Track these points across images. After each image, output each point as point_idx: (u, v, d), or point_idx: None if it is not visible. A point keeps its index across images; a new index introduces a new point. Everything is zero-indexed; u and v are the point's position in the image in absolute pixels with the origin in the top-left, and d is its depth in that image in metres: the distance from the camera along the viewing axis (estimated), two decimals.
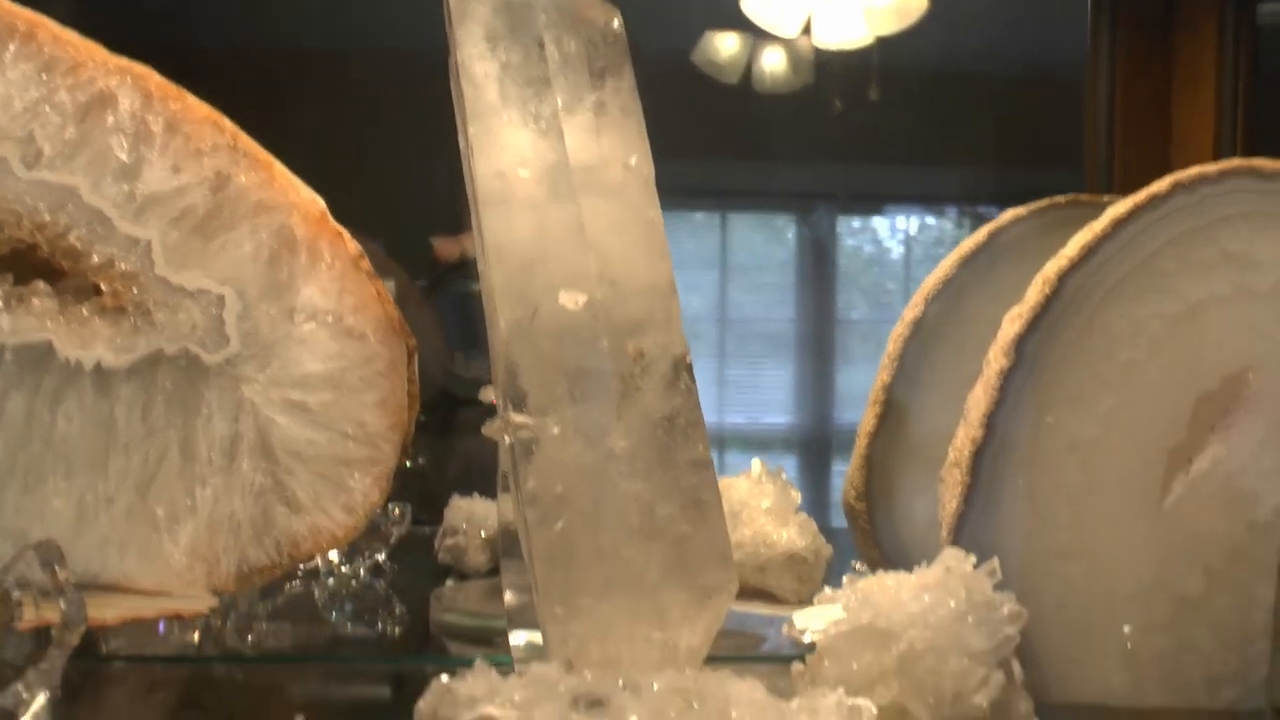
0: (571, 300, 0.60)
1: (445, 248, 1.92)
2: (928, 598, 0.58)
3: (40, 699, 0.46)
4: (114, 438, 0.63)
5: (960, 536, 0.66)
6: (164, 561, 0.63)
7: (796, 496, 0.91)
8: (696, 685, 0.51)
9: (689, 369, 0.61)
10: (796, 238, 3.65)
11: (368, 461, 0.66)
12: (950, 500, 0.68)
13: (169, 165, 0.63)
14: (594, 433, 0.59)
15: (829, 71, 2.76)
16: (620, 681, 0.51)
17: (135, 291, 0.64)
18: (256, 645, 0.77)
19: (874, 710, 0.52)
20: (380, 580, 0.97)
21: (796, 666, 0.59)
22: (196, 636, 0.75)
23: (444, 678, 0.50)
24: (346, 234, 0.68)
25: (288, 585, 0.93)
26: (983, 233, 0.84)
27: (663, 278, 0.62)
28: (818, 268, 3.60)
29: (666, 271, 0.62)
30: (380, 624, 0.86)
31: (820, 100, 2.80)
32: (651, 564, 0.58)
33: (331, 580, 0.95)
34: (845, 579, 0.60)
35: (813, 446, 3.61)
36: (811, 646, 0.59)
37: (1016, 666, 0.59)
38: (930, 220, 3.72)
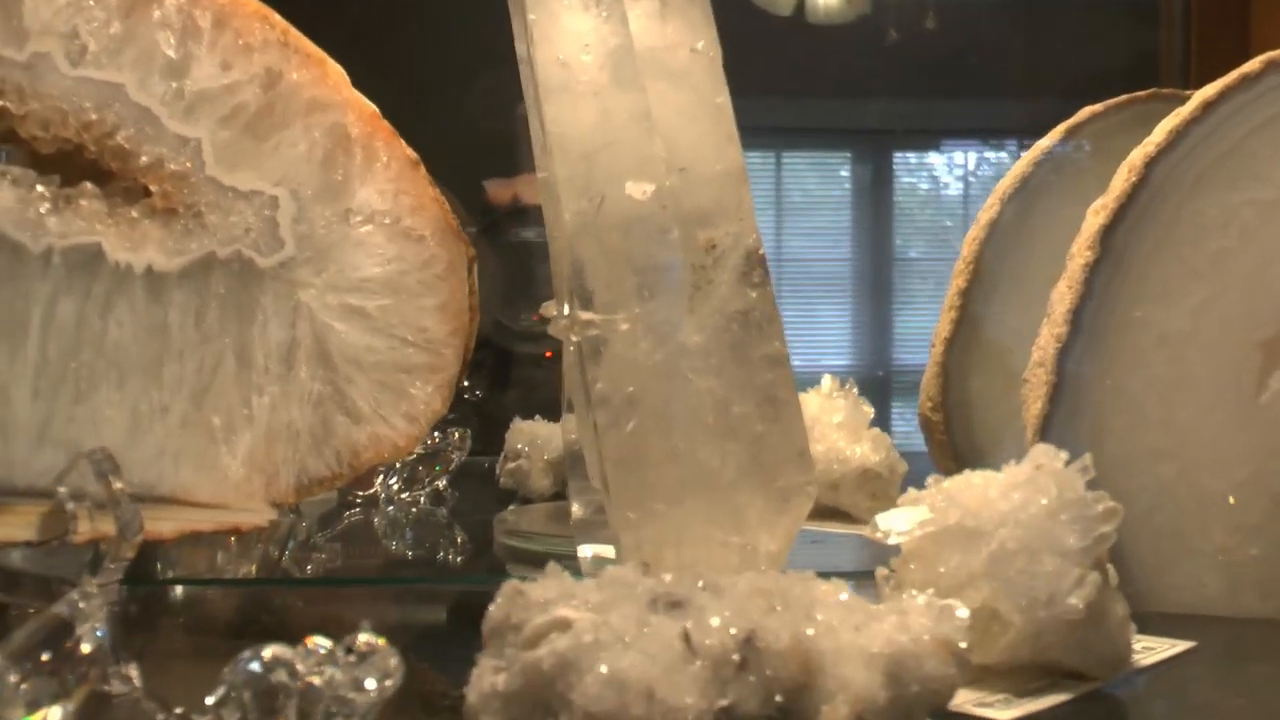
0: (639, 190, 0.58)
1: (498, 192, 1.89)
2: (1017, 496, 0.55)
3: (99, 611, 0.43)
4: (168, 344, 0.62)
5: (1046, 439, 0.64)
6: (221, 473, 0.62)
7: (869, 411, 0.89)
8: (779, 586, 0.49)
9: (763, 260, 0.59)
10: (851, 176, 3.61)
11: (429, 368, 0.64)
12: (1035, 401, 0.65)
13: (218, 62, 0.61)
14: (665, 329, 0.57)
15: (884, 2, 2.71)
16: (700, 583, 0.49)
17: (186, 193, 0.62)
18: (316, 572, 0.76)
19: (966, 611, 0.49)
20: (442, 508, 0.96)
21: (881, 570, 0.56)
22: (255, 570, 0.74)
23: (514, 581, 0.48)
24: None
25: (346, 514, 0.91)
26: (1059, 130, 0.80)
27: (733, 164, 0.59)
28: (874, 206, 3.56)
29: (737, 157, 0.60)
30: (442, 551, 0.85)
31: (875, 32, 2.75)
32: (727, 465, 0.56)
33: (391, 508, 0.94)
34: (930, 479, 0.57)
35: (872, 387, 3.59)
36: (896, 549, 0.56)
37: (1111, 569, 0.56)
38: (989, 155, 3.66)
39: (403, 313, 0.64)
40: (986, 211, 0.81)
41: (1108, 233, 0.64)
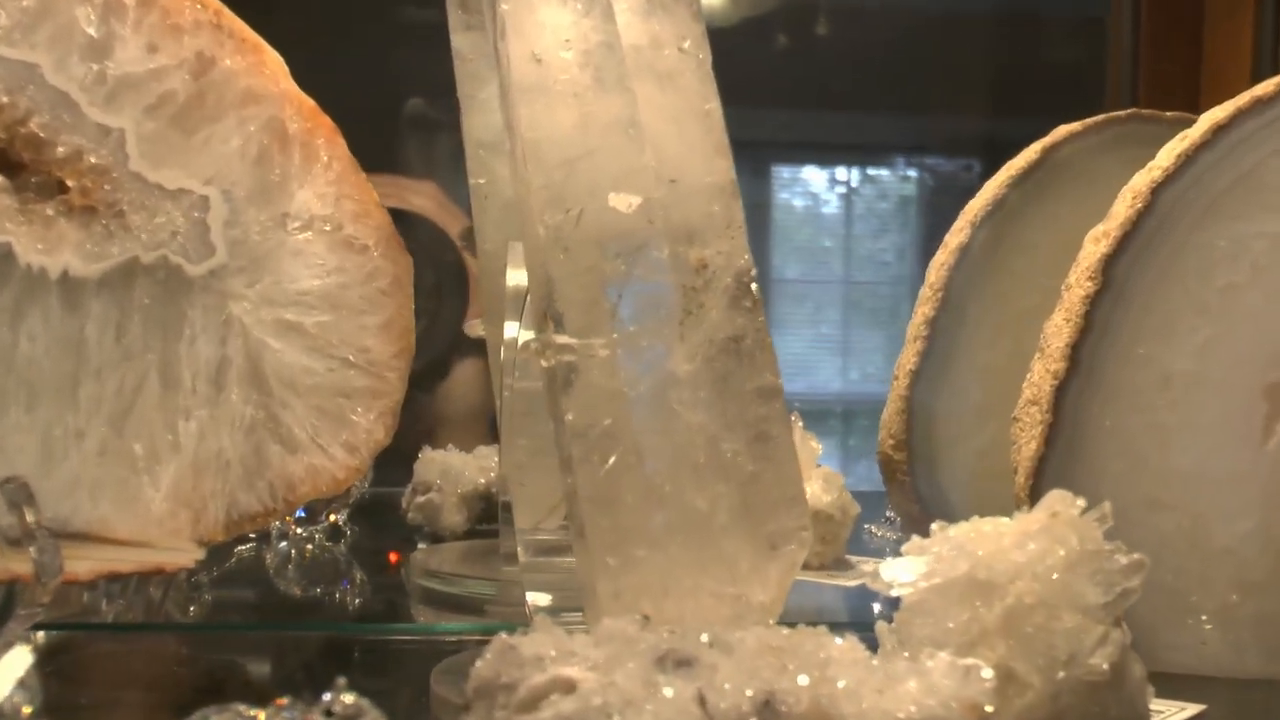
0: (624, 202, 0.55)
1: None
2: (1033, 546, 0.54)
3: (18, 661, 0.40)
4: (84, 361, 0.59)
5: (1042, 482, 0.63)
6: (143, 506, 0.59)
7: (817, 448, 0.87)
8: (790, 643, 0.47)
9: (754, 282, 0.57)
10: None
11: (371, 393, 0.62)
12: (1029, 442, 0.64)
13: (144, 43, 0.59)
14: (651, 357, 0.55)
15: (769, 6, 2.71)
16: (706, 638, 0.47)
17: (107, 189, 0.59)
18: (199, 617, 0.73)
19: (990, 672, 0.47)
20: (340, 543, 0.94)
21: (882, 626, 0.55)
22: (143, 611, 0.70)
23: (504, 635, 0.46)
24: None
25: (236, 550, 0.88)
26: (1034, 150, 0.80)
27: (724, 176, 0.57)
28: (751, 221, 3.57)
29: (728, 170, 0.58)
30: (339, 592, 0.82)
31: (760, 39, 2.76)
32: (718, 508, 0.54)
33: (284, 544, 0.91)
34: (934, 527, 0.56)
35: None
36: (894, 602, 0.55)
37: (1125, 626, 0.55)
38: (876, 172, 3.70)
39: (343, 331, 0.62)
40: (955, 235, 0.80)
41: (1110, 262, 0.63)
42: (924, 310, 0.79)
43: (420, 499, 0.96)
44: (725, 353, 0.56)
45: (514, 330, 0.71)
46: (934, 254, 0.83)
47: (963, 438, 0.80)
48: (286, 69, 0.62)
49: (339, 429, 0.62)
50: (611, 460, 0.54)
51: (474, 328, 0.85)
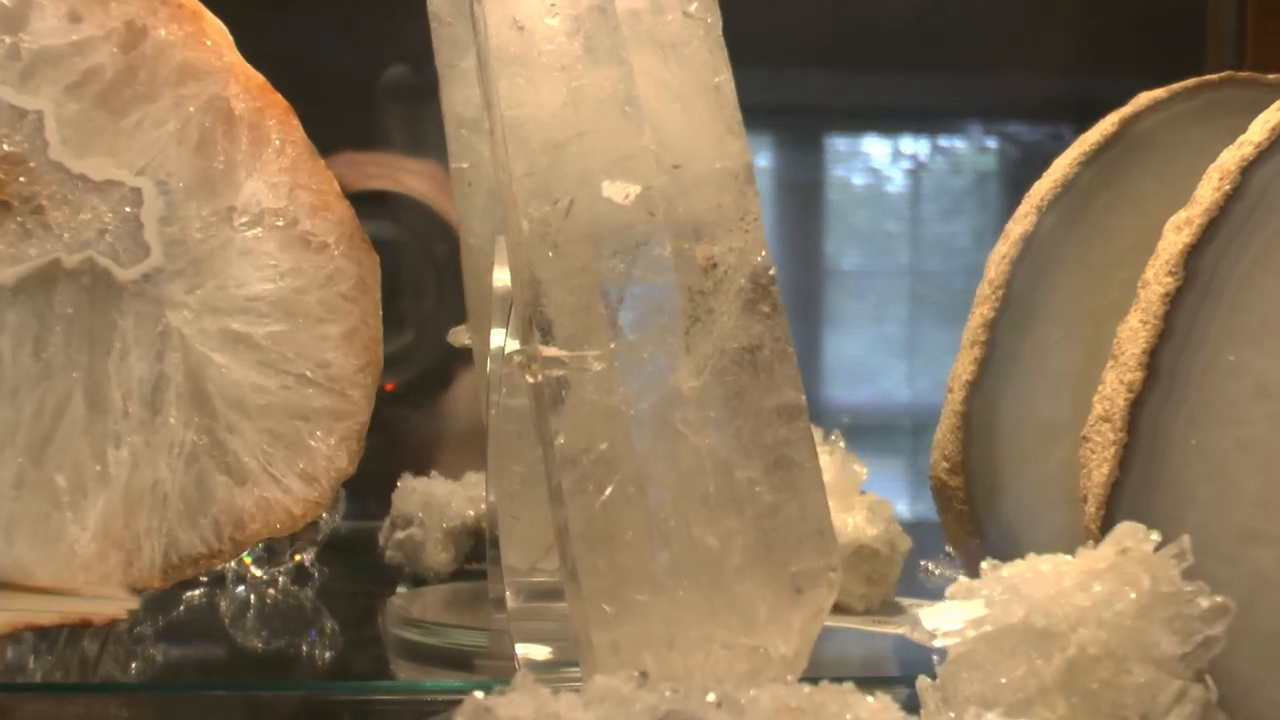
0: (620, 191, 0.57)
1: None
2: (1099, 588, 0.55)
3: None
4: None
5: (1115, 512, 0.64)
6: (67, 547, 0.60)
7: (862, 472, 0.88)
8: (812, 703, 0.48)
9: (773, 284, 0.58)
10: (773, 165, 3.62)
11: (332, 414, 0.63)
12: (1100, 465, 0.65)
13: (65, 11, 0.60)
14: (652, 370, 0.56)
15: None
16: (712, 696, 0.48)
17: (22, 182, 0.60)
18: (143, 675, 0.74)
19: None
20: (307, 587, 0.95)
21: (923, 682, 0.56)
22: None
23: (479, 694, 0.47)
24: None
25: (184, 596, 0.90)
26: (1110, 122, 0.81)
27: (737, 161, 0.59)
28: (800, 203, 3.57)
29: (741, 153, 0.59)
30: (306, 645, 0.83)
31: None
32: (730, 546, 0.56)
33: (242, 589, 0.92)
34: (984, 566, 0.57)
35: None
36: (939, 653, 0.56)
37: (1209, 681, 0.56)
38: (950, 143, 3.70)
39: (300, 342, 0.63)
40: (1018, 223, 0.81)
41: (1193, 255, 0.64)
42: (982, 311, 0.80)
43: (399, 535, 0.97)
44: (739, 365, 0.57)
45: (500, 338, 0.73)
46: None
47: (1030, 459, 0.80)
48: (230, 39, 0.63)
49: (295, 456, 0.63)
50: (608, 490, 0.55)
51: (458, 335, 0.86)
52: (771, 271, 0.58)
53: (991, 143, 2.93)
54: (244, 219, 0.63)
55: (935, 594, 0.92)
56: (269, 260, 0.63)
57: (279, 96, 0.64)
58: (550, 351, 0.56)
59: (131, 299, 0.62)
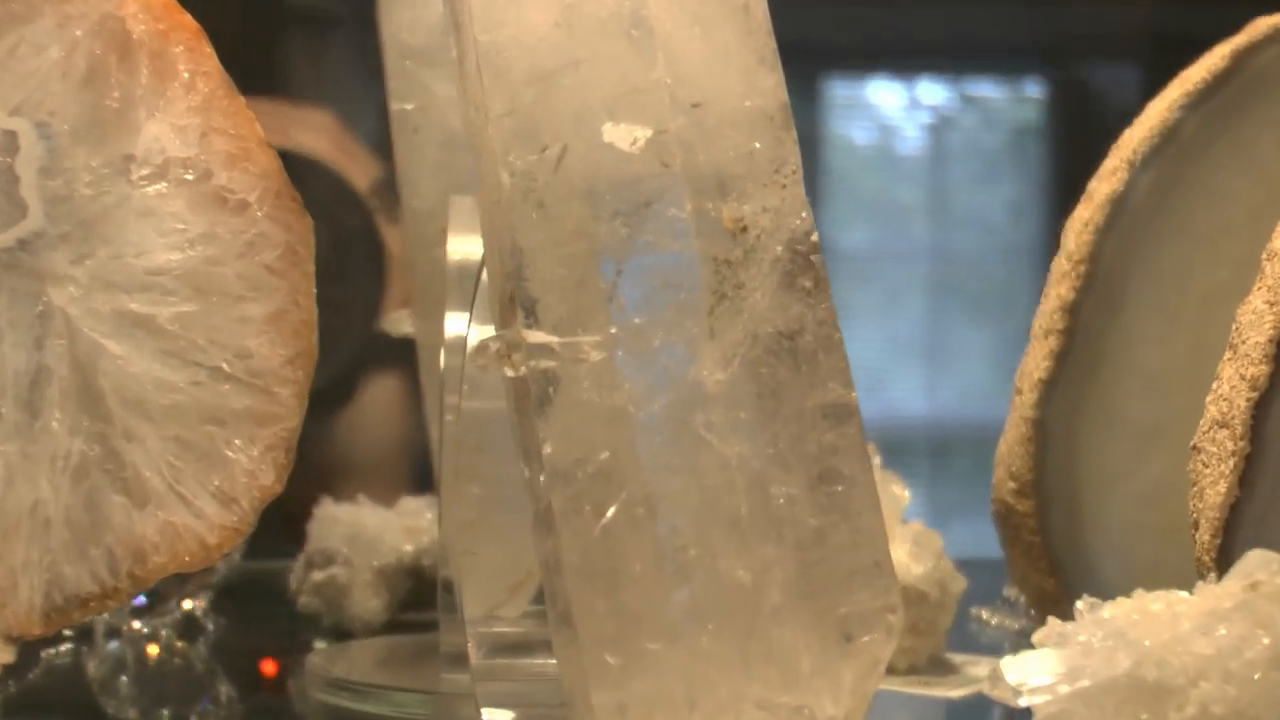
0: (626, 136, 0.57)
1: None
2: (1224, 631, 0.55)
3: None
4: None
5: (1234, 540, 0.64)
6: None
7: (904, 496, 0.89)
8: None
9: (816, 253, 0.58)
10: None
11: (254, 418, 0.63)
12: (1215, 482, 0.65)
13: None
14: (667, 362, 0.56)
15: None
16: None
17: None
18: None
19: None
20: (198, 643, 0.95)
21: None
22: None
23: None
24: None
25: (44, 654, 0.91)
26: (1220, 55, 0.81)
27: (771, 99, 0.59)
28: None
29: (776, 89, 0.59)
30: (197, 717, 0.84)
31: None
32: (766, 581, 0.56)
33: (115, 644, 0.92)
34: (1080, 606, 0.57)
35: None
36: (1028, 714, 0.56)
37: None
38: (987, 93, 3.70)
39: (215, 327, 0.63)
40: (1105, 181, 0.81)
41: None
42: (1060, 292, 0.81)
43: (318, 576, 0.98)
44: (775, 355, 0.57)
45: (459, 325, 0.73)
46: (1071, 210, 0.84)
47: (1120, 477, 0.81)
48: None
49: (209, 471, 0.63)
50: (610, 512, 0.55)
51: (397, 323, 0.86)
52: (814, 237, 0.58)
53: (1035, 89, 2.94)
54: (144, 171, 0.63)
55: (991, 649, 0.93)
56: (176, 223, 0.63)
57: (188, 17, 0.63)
58: (537, 337, 0.56)
59: (3, 271, 0.62)
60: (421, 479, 1.26)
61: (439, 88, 0.80)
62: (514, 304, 0.57)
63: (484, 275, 0.67)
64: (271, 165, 0.65)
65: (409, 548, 0.98)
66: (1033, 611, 0.90)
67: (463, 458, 0.74)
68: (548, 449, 0.55)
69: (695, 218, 0.57)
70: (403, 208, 0.83)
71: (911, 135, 2.88)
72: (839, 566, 0.57)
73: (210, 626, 0.97)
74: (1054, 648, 0.56)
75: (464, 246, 0.76)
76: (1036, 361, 0.81)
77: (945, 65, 2.90)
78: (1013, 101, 2.93)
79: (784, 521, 0.56)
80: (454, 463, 0.74)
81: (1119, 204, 0.81)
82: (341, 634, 0.97)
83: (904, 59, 2.86)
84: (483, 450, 0.73)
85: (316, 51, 1.57)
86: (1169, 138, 0.81)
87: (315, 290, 0.65)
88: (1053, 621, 0.57)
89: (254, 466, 0.64)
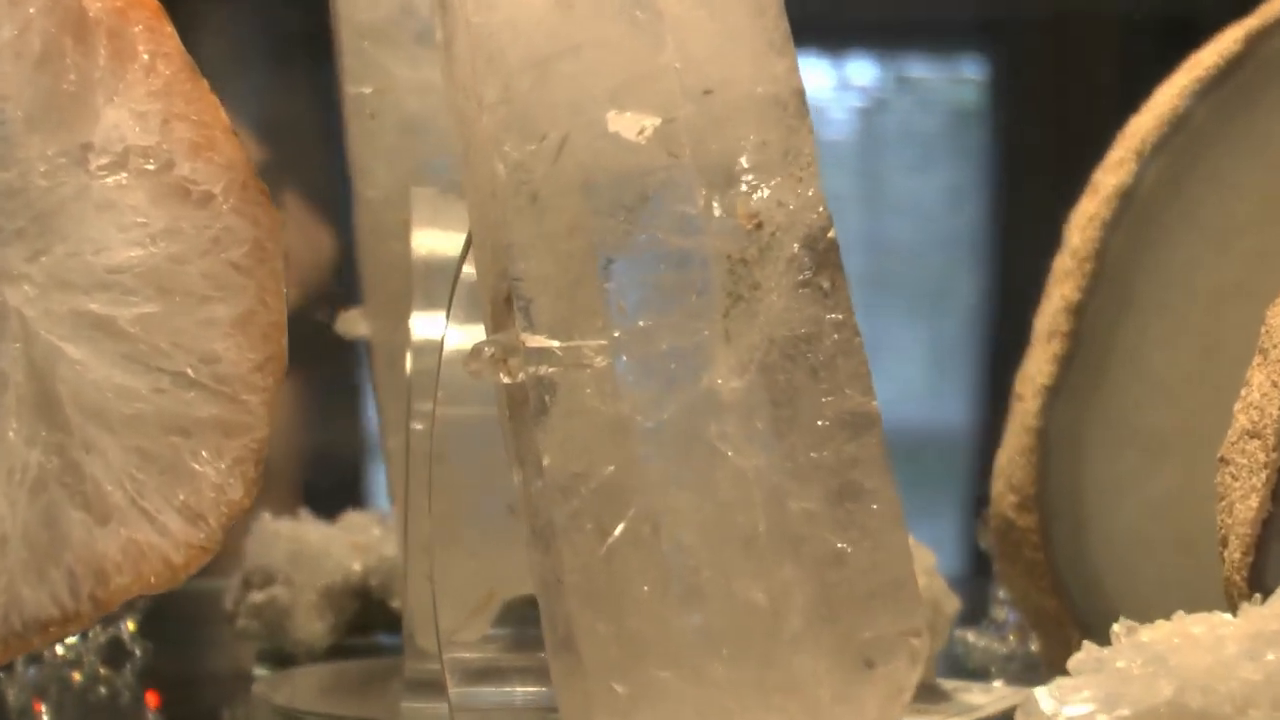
0: (632, 125, 0.57)
1: None
2: (1272, 656, 0.55)
3: None
4: None
5: (1267, 556, 0.64)
6: None
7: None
8: None
9: (834, 250, 0.59)
10: None
11: (222, 428, 0.63)
12: (1246, 496, 0.65)
13: None
14: (679, 366, 0.56)
15: None
16: None
17: None
18: None
19: None
20: (125, 670, 0.95)
21: None
22: None
23: None
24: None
25: None
26: (1233, 39, 0.82)
27: (784, 85, 0.59)
28: None
29: (789, 74, 0.60)
30: None
31: None
32: (785, 604, 0.56)
33: (33, 671, 0.92)
34: (1117, 628, 0.58)
35: None
36: None
37: None
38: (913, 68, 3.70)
39: (179, 329, 0.63)
40: (1112, 173, 0.82)
41: None
42: (1064, 292, 0.81)
43: (257, 597, 0.97)
44: (791, 360, 0.57)
45: (430, 326, 0.73)
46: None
47: (1127, 488, 0.81)
48: None
49: (174, 485, 0.62)
50: (617, 531, 0.55)
51: (349, 323, 0.86)
52: (831, 234, 0.58)
53: (974, 69, 2.94)
54: (103, 161, 0.62)
55: (979, 674, 0.93)
56: (137, 217, 0.63)
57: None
58: (536, 342, 0.56)
59: None
60: (315, 491, 1.26)
61: (398, 70, 0.80)
62: (510, 305, 0.57)
63: (464, 272, 0.67)
64: (237, 155, 0.64)
65: (356, 566, 0.98)
66: (1013, 636, 0.91)
67: (425, 470, 0.74)
68: (546, 461, 0.56)
69: (707, 213, 0.57)
70: (355, 198, 0.83)
71: (841, 118, 2.87)
72: (860, 588, 0.57)
73: (138, 652, 0.96)
74: (1090, 673, 0.56)
75: (430, 240, 0.76)
76: (1039, 366, 0.82)
77: (877, 43, 2.90)
78: (950, 82, 2.93)
79: (803, 539, 0.56)
80: (416, 475, 0.75)
81: (1127, 197, 0.81)
82: (283, 659, 0.96)
83: (833, 36, 2.86)
84: (442, 461, 0.73)
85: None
86: (1179, 126, 0.81)
87: (285, 290, 0.65)
88: (1088, 646, 0.57)
89: (222, 480, 0.63)
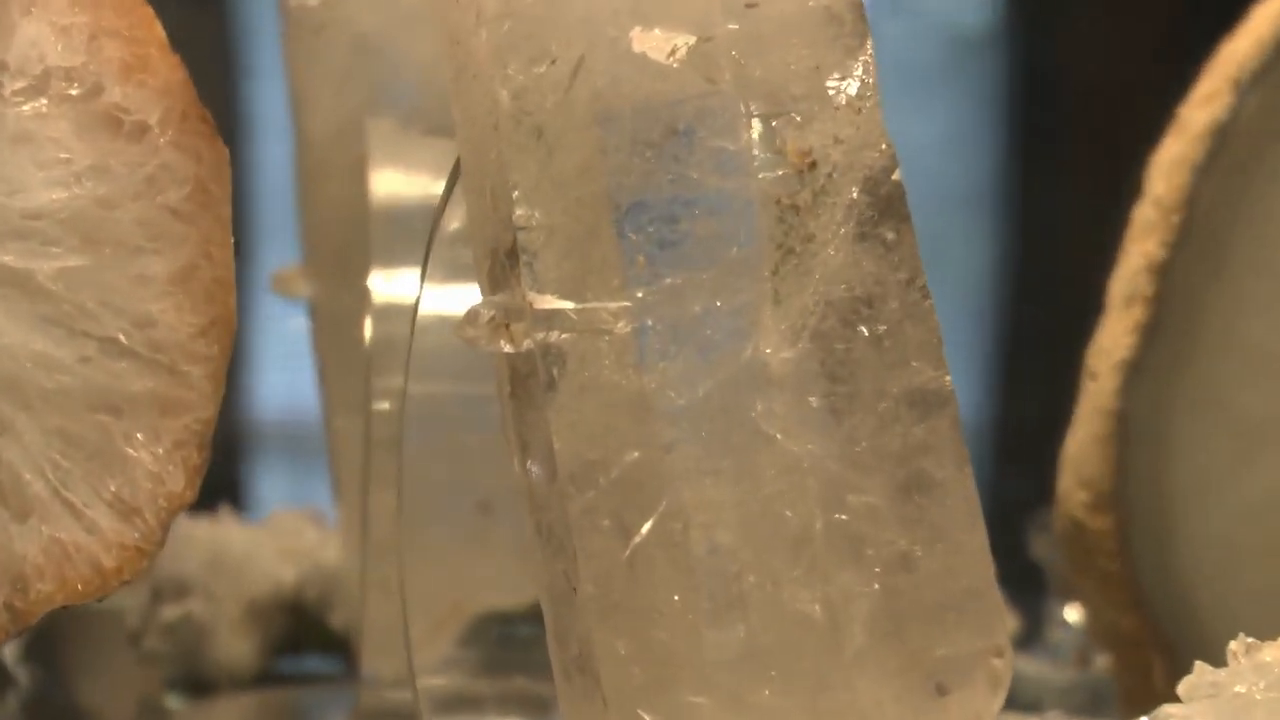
0: (662, 45, 0.57)
1: None
2: None
3: None
4: None
5: None
6: None
7: None
8: None
9: (900, 195, 0.59)
10: None
11: (159, 405, 0.63)
12: None
13: None
14: (716, 333, 0.56)
15: None
16: None
17: None
18: None
19: None
20: (6, 698, 0.96)
21: None
22: None
23: None
24: None
25: None
26: None
27: None
28: None
29: None
30: None
31: None
32: (849, 615, 0.56)
33: None
34: (1235, 646, 0.58)
35: None
36: None
37: None
38: None
39: (107, 286, 0.63)
40: (1203, 108, 0.82)
41: None
42: (1147, 248, 0.81)
43: (169, 613, 0.97)
44: (850, 326, 0.57)
45: (396, 286, 0.73)
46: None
47: (1221, 484, 0.81)
48: None
49: (103, 473, 0.62)
50: (643, 530, 0.55)
51: (286, 283, 0.86)
52: (896, 176, 0.58)
53: None
54: (19, 85, 0.62)
55: (1031, 707, 0.93)
56: (59, 152, 0.63)
57: None
58: (545, 302, 0.56)
59: None
60: (307, 482, 1.25)
61: None
62: (512, 260, 0.56)
63: (443, 223, 0.67)
64: (175, 78, 0.64)
65: (287, 576, 0.98)
66: (1071, 662, 0.91)
67: (381, 459, 0.74)
68: (557, 446, 0.55)
69: (751, 149, 0.57)
70: (296, 131, 0.83)
71: None
72: (931, 597, 0.57)
73: (22, 679, 0.96)
74: (1205, 700, 0.57)
75: (390, 183, 0.76)
76: (1116, 338, 0.81)
77: None
78: (953, 4, 2.92)
79: (864, 540, 0.56)
80: (369, 465, 0.75)
81: (1220, 135, 0.81)
82: (200, 686, 0.96)
83: None
84: (391, 447, 0.73)
85: None
86: None
87: (232, 240, 0.65)
88: (1201, 668, 0.58)
89: (159, 468, 0.63)
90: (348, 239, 0.78)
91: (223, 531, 1.00)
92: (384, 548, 0.73)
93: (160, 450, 0.64)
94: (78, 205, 0.63)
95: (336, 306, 0.81)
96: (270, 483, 1.86)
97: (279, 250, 1.08)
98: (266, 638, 0.97)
